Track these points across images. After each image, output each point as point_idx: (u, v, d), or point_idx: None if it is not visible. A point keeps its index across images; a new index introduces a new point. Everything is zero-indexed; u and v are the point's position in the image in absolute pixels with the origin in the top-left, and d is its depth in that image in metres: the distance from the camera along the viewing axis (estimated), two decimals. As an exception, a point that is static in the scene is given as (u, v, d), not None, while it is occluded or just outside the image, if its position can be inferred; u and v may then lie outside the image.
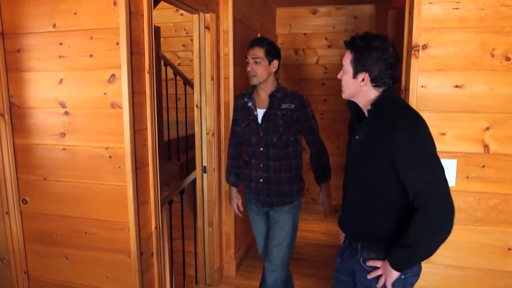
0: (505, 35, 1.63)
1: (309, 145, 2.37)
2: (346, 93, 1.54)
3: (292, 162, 2.29)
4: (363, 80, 1.45)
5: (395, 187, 1.41)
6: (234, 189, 2.52)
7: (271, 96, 2.25)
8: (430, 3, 1.68)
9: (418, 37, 1.71)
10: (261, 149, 2.26)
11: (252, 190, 2.36)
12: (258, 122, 2.26)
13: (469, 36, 1.67)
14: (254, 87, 2.31)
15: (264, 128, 2.24)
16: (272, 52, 2.23)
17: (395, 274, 1.43)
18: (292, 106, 2.22)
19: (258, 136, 2.26)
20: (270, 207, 2.31)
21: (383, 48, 1.42)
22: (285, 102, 2.23)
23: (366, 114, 1.51)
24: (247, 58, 2.23)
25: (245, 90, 2.43)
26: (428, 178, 1.34)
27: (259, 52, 2.20)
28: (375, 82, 1.45)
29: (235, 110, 2.42)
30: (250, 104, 2.30)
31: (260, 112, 2.27)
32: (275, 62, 2.24)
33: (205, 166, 2.92)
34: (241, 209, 2.54)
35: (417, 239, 1.35)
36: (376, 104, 1.46)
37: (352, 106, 1.59)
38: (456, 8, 1.66)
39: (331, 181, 2.44)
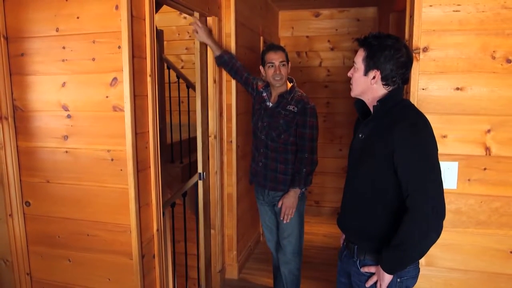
0: (506, 37, 1.63)
1: (297, 151, 2.39)
2: (355, 91, 1.54)
3: (290, 157, 2.39)
4: (374, 77, 1.46)
5: (393, 186, 1.40)
6: None
7: (280, 96, 2.40)
8: (430, 5, 1.68)
9: (419, 40, 1.71)
10: (263, 137, 2.45)
11: (252, 171, 2.57)
12: (267, 111, 2.43)
13: (470, 39, 1.66)
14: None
15: (267, 121, 2.42)
16: (287, 56, 2.42)
17: (387, 277, 1.42)
18: (295, 109, 2.34)
19: (262, 124, 2.45)
20: (264, 188, 2.50)
21: (396, 47, 1.42)
22: (290, 104, 2.37)
23: (372, 111, 1.51)
24: (271, 62, 2.34)
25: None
26: (422, 177, 1.34)
27: (283, 56, 2.37)
28: (385, 80, 1.45)
29: (256, 93, 2.57)
30: (264, 94, 2.48)
31: (269, 105, 2.45)
32: (289, 66, 2.44)
33: (206, 168, 2.93)
34: None
35: (407, 239, 1.34)
36: (382, 101, 1.47)
37: (359, 105, 1.59)
38: (456, 11, 1.66)
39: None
